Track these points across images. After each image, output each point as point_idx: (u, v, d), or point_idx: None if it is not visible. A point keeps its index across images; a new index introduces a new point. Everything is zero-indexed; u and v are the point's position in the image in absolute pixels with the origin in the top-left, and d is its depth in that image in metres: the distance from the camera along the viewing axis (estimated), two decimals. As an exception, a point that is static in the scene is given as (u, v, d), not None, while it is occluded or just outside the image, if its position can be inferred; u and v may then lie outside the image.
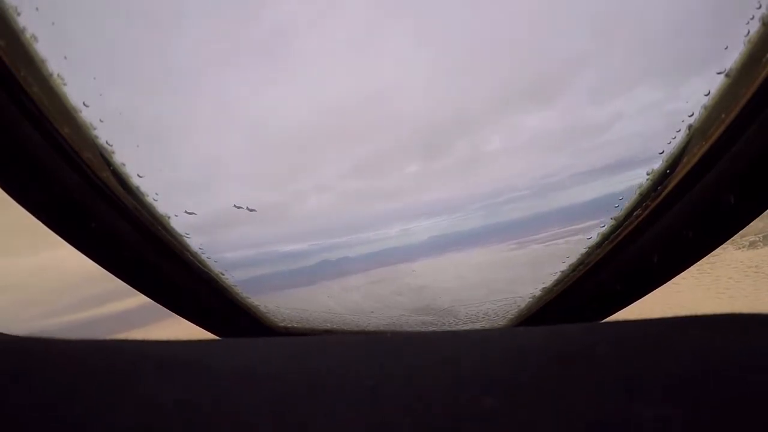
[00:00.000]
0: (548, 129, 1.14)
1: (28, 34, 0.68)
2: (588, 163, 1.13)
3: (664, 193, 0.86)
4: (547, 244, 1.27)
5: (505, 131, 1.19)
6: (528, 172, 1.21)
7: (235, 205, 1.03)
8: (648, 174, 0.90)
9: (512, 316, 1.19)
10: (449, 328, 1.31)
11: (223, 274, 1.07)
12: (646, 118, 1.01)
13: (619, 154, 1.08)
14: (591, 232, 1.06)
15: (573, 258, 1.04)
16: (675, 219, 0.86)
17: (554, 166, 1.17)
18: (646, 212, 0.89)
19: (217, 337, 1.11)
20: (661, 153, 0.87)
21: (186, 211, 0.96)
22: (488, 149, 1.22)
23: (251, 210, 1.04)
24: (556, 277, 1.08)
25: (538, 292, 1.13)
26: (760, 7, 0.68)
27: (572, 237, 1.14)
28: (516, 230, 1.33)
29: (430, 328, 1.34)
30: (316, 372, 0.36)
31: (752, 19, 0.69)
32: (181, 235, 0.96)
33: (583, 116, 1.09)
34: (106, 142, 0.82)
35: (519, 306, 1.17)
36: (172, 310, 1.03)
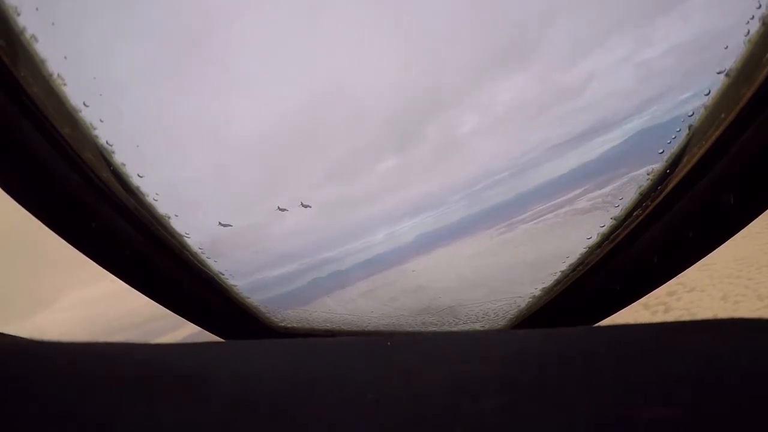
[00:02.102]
0: (520, 101, 1.10)
1: (28, 34, 0.68)
2: (563, 132, 1.11)
3: (664, 193, 0.86)
4: (535, 221, 1.25)
5: (476, 109, 1.14)
6: (504, 153, 1.18)
7: (279, 207, 1.01)
8: (648, 174, 0.90)
9: (512, 316, 1.18)
10: (449, 329, 1.31)
11: (223, 274, 1.07)
12: (618, 75, 1.00)
13: (593, 118, 1.06)
14: (576, 203, 1.05)
15: (573, 258, 1.04)
16: (675, 219, 0.85)
17: (530, 141, 1.15)
18: (646, 212, 0.89)
19: (217, 337, 1.11)
20: (661, 153, 0.87)
21: (221, 223, 0.95)
22: (461, 132, 1.18)
23: (306, 206, 1.01)
24: (556, 277, 1.08)
25: (538, 292, 1.13)
26: (760, 7, 0.68)
27: (559, 210, 1.13)
28: (502, 214, 1.31)
29: (430, 328, 1.34)
30: (316, 378, 0.36)
31: (752, 19, 0.69)
32: (181, 235, 0.96)
33: (554, 81, 1.06)
34: (106, 142, 0.82)
35: (519, 306, 1.17)
36: (172, 310, 1.03)
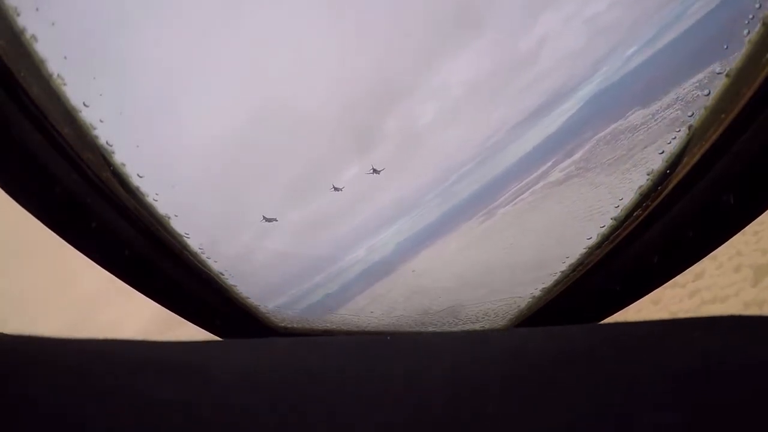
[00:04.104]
0: (474, 80, 1.06)
1: (28, 35, 0.68)
2: (521, 108, 1.09)
3: (664, 193, 0.86)
4: (513, 203, 1.24)
5: (431, 96, 1.08)
6: (467, 141, 1.16)
7: (373, 168, 0.96)
8: (648, 174, 0.90)
9: (512, 317, 1.18)
10: (449, 329, 1.31)
11: (223, 274, 1.07)
12: (567, 35, 0.97)
13: (547, 88, 1.05)
14: (549, 176, 1.05)
15: (573, 258, 1.04)
16: (675, 219, 0.85)
17: (490, 124, 1.13)
18: (646, 212, 0.89)
19: (217, 338, 1.11)
20: (661, 153, 0.87)
21: (265, 217, 0.93)
22: (421, 124, 1.13)
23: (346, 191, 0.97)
24: (556, 278, 1.08)
25: (538, 293, 1.12)
26: (760, 7, 0.68)
27: (535, 186, 1.13)
28: (477, 203, 1.30)
29: (430, 329, 1.33)
30: (316, 380, 0.36)
31: (752, 19, 0.69)
32: (181, 235, 0.96)
33: (508, 51, 1.02)
34: (106, 142, 0.82)
35: (519, 306, 1.17)
36: (171, 310, 1.03)
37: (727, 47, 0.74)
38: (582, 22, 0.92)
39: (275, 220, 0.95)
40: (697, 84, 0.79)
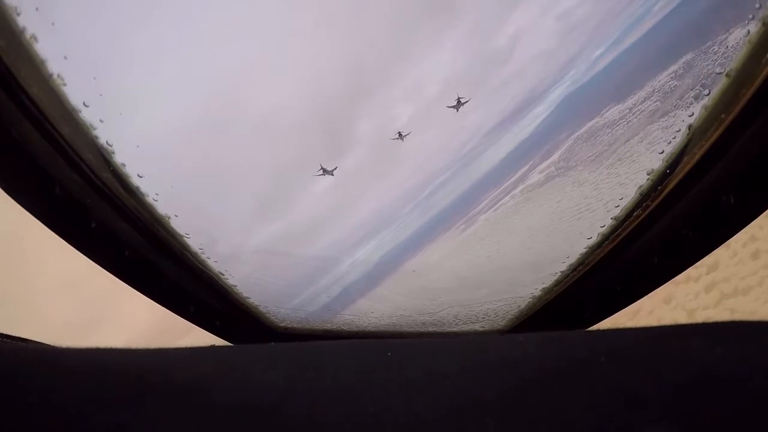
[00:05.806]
0: (448, 81, 1.01)
1: (28, 35, 0.68)
2: (497, 111, 1.07)
3: (664, 193, 0.86)
4: (494, 209, 1.23)
5: (406, 97, 1.03)
6: (444, 147, 1.14)
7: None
8: (648, 174, 0.90)
9: (512, 317, 1.19)
10: (449, 329, 1.31)
11: (223, 274, 1.07)
12: (542, 32, 0.94)
13: (521, 90, 1.03)
14: (527, 179, 1.05)
15: (573, 258, 1.04)
16: (675, 219, 0.86)
17: (467, 128, 1.10)
18: (646, 212, 0.89)
19: (217, 338, 1.11)
20: (661, 153, 0.87)
21: (323, 167, 0.86)
22: (396, 127, 1.07)
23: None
24: (556, 278, 1.08)
25: (538, 293, 1.13)
26: (760, 7, 0.68)
27: (514, 190, 1.12)
28: (457, 211, 1.28)
29: (430, 329, 1.33)
30: (317, 393, 0.35)
31: (752, 19, 0.69)
32: (181, 235, 0.96)
33: (480, 49, 0.97)
34: (106, 143, 0.82)
35: (519, 306, 1.17)
36: (172, 311, 1.03)
37: (727, 47, 0.74)
38: (554, 18, 0.90)
39: (332, 174, 0.92)
40: (672, 75, 0.79)
